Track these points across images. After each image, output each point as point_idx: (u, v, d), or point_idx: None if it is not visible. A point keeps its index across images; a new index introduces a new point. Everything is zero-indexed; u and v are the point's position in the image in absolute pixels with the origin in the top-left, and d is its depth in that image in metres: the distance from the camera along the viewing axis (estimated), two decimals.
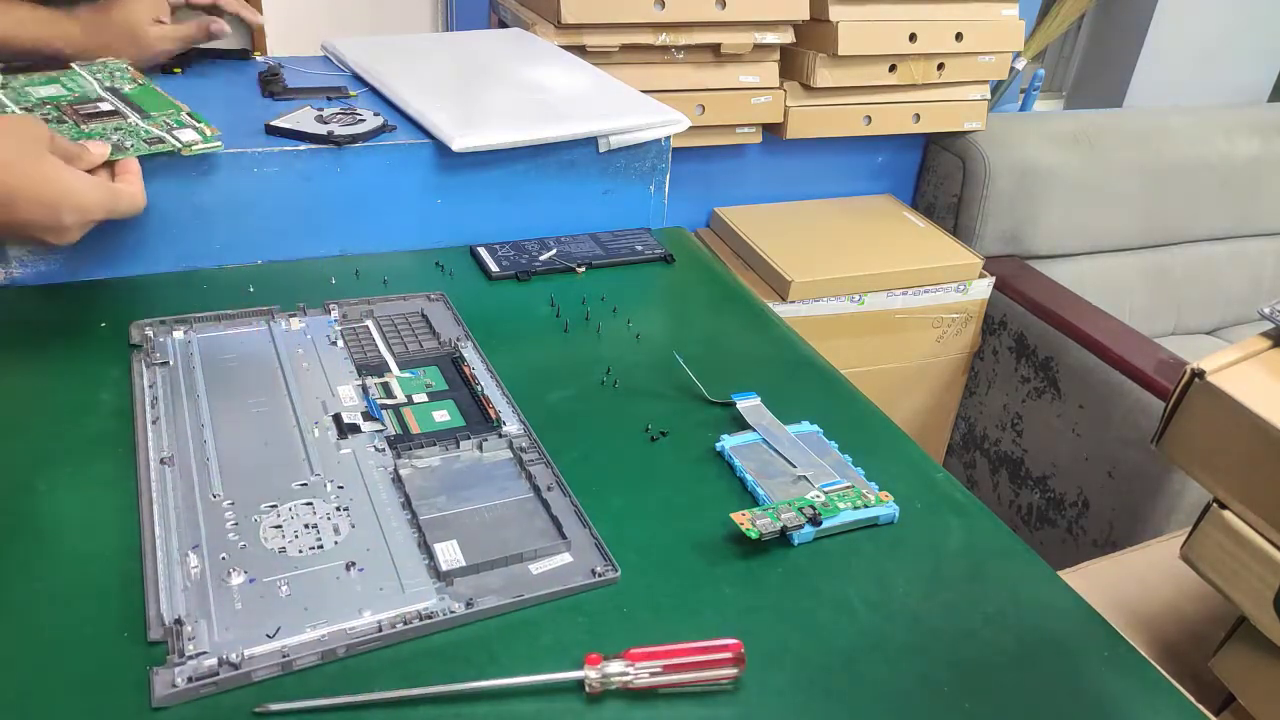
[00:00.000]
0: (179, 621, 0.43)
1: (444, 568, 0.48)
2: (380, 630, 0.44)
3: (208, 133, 0.71)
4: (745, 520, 0.52)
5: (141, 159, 0.68)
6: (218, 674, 0.41)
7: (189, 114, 0.74)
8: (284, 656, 0.43)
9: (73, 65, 0.80)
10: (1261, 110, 1.84)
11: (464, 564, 0.48)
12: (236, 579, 0.46)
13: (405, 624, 0.45)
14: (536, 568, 0.49)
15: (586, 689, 0.43)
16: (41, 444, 0.55)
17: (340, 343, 0.66)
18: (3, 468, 0.53)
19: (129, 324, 0.65)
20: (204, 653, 0.42)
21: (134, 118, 0.72)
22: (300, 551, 0.48)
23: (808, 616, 0.49)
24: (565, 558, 0.50)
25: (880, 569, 0.52)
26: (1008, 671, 0.47)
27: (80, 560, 0.47)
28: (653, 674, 0.43)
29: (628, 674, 0.43)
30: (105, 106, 0.73)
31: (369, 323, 0.70)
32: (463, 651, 0.45)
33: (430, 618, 0.45)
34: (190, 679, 0.41)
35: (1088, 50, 2.27)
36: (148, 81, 0.79)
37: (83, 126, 0.69)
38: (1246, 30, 2.16)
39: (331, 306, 0.70)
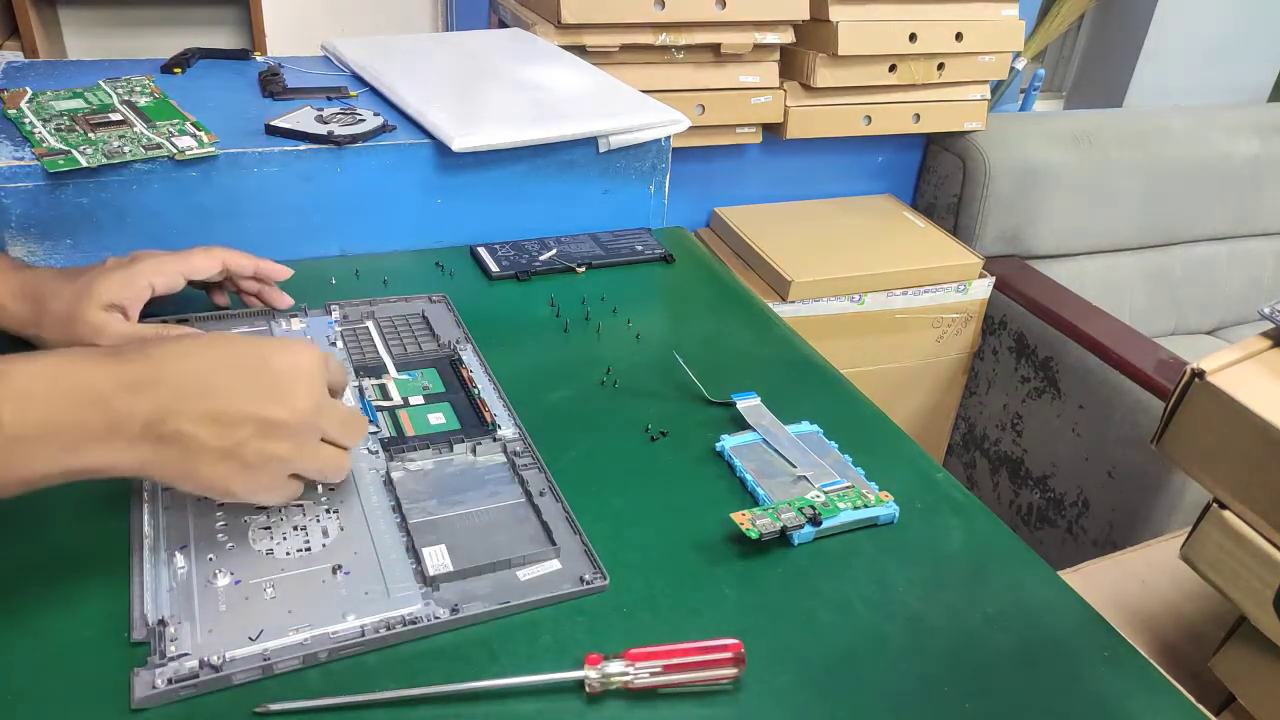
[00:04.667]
0: (162, 622, 0.43)
1: (431, 573, 0.48)
2: (363, 635, 0.44)
3: (205, 139, 0.73)
4: (745, 520, 0.52)
5: (141, 162, 0.70)
6: (198, 676, 0.41)
7: (193, 124, 0.76)
8: (265, 660, 0.42)
9: (100, 82, 0.84)
10: (1261, 110, 1.84)
11: (451, 569, 0.48)
12: (222, 580, 0.46)
13: (389, 629, 0.45)
14: (524, 574, 0.49)
15: (586, 689, 0.43)
16: None
17: (340, 344, 0.66)
18: None
19: None
20: (185, 654, 0.42)
21: (140, 126, 0.74)
22: (288, 554, 0.48)
23: (808, 616, 0.49)
24: (554, 564, 0.50)
25: (880, 569, 0.52)
26: (1008, 671, 0.47)
27: (70, 558, 0.47)
28: (653, 674, 0.43)
29: (628, 674, 0.43)
30: (115, 117, 0.76)
31: (369, 324, 0.70)
32: (462, 651, 0.45)
33: (415, 623, 0.45)
34: (170, 680, 0.41)
35: (1088, 50, 2.27)
36: (164, 95, 0.82)
37: (90, 134, 0.72)
38: (1246, 30, 2.16)
39: (333, 307, 0.70)
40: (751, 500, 0.56)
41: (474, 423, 0.60)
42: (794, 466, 0.58)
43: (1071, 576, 0.66)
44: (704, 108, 1.35)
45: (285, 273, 0.68)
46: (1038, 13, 1.90)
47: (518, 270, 0.80)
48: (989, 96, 1.52)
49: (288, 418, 0.46)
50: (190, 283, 0.65)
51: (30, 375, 0.41)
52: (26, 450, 0.40)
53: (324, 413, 0.48)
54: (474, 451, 0.57)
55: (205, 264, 0.64)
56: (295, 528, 0.50)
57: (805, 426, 0.63)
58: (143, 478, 0.44)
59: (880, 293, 1.37)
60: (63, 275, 0.61)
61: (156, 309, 0.64)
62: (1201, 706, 0.46)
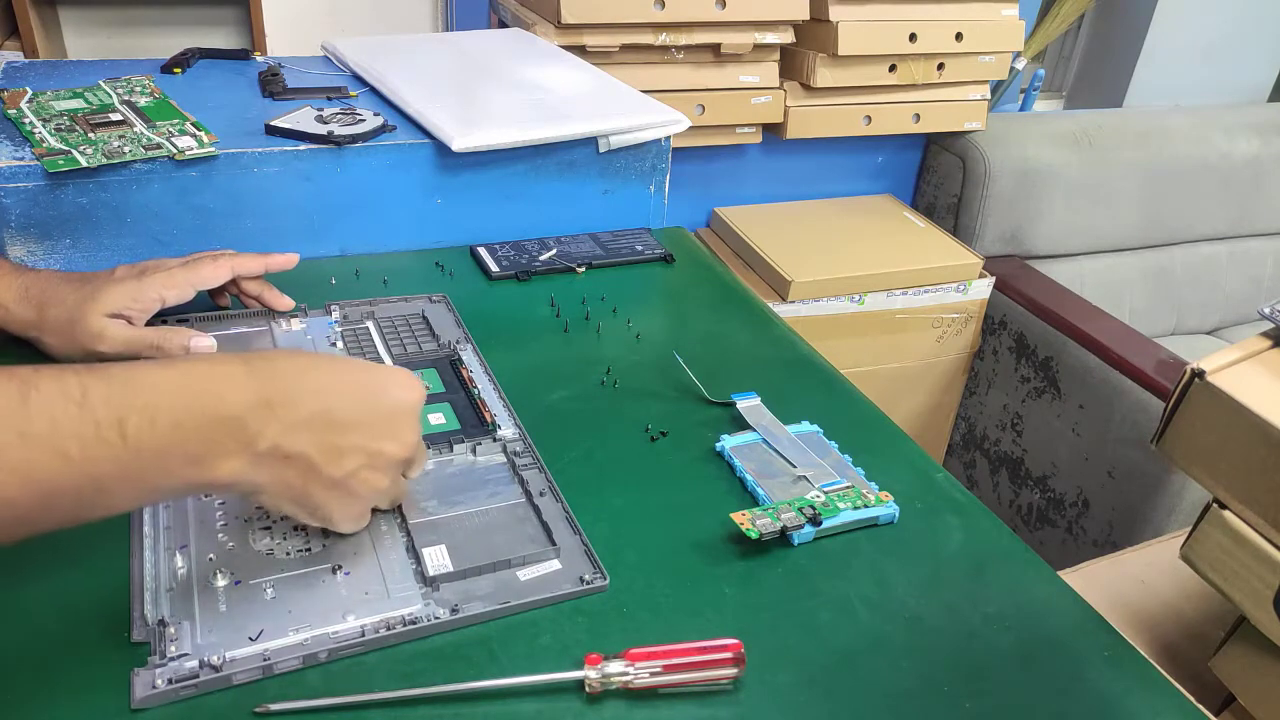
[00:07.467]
0: (162, 623, 0.43)
1: (431, 573, 0.48)
2: (363, 635, 0.44)
3: (205, 139, 0.73)
4: (745, 520, 0.52)
5: (141, 162, 0.70)
6: (198, 676, 0.41)
7: (193, 124, 0.76)
8: (265, 660, 0.42)
9: (100, 82, 0.84)
10: (1261, 110, 1.84)
11: (451, 569, 0.48)
12: (222, 580, 0.46)
13: (389, 629, 0.45)
14: (525, 574, 0.49)
15: (586, 689, 0.43)
16: None
17: (340, 344, 0.66)
18: None
19: None
20: (185, 654, 0.42)
21: (140, 126, 0.74)
22: (288, 554, 0.48)
23: (808, 616, 0.49)
24: (554, 564, 0.50)
25: (880, 569, 0.52)
26: (1008, 671, 0.47)
27: (71, 558, 0.47)
28: (653, 674, 0.43)
29: (628, 674, 0.43)
30: (115, 117, 0.76)
31: (369, 324, 0.70)
32: (462, 651, 0.45)
33: (415, 623, 0.45)
34: (170, 681, 0.41)
35: (1088, 50, 2.27)
36: (164, 95, 0.82)
37: (90, 134, 0.72)
38: (1246, 30, 2.16)
39: (333, 307, 0.70)
40: (751, 500, 0.56)
41: (474, 423, 0.60)
42: (794, 466, 0.58)
43: (1071, 576, 0.66)
44: (704, 108, 1.35)
45: (293, 259, 0.68)
46: (1038, 13, 1.90)
47: (518, 270, 0.80)
48: (989, 96, 1.52)
49: (395, 452, 0.47)
50: None
51: (156, 388, 0.39)
52: (148, 464, 0.39)
53: (418, 449, 0.49)
54: (474, 451, 0.57)
55: (215, 274, 0.64)
56: (295, 528, 0.50)
57: (805, 426, 0.62)
58: (254, 499, 0.44)
59: (880, 293, 1.37)
60: (67, 280, 0.61)
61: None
62: (1201, 706, 0.46)
